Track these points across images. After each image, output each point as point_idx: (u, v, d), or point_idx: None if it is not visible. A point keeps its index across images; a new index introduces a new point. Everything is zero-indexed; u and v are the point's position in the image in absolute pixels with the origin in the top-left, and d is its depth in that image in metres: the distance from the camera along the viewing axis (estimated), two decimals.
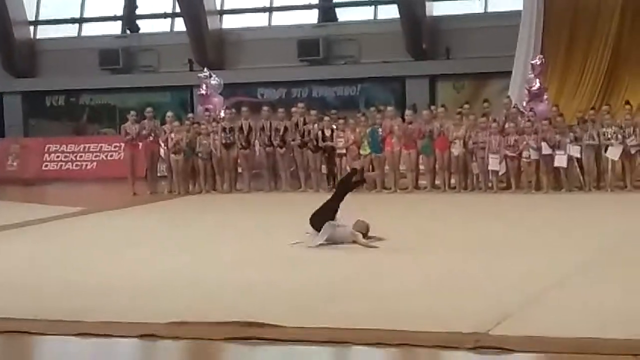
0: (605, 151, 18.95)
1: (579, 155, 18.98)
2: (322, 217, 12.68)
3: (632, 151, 18.84)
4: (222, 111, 22.68)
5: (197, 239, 13.79)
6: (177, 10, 30.51)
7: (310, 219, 12.75)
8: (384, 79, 28.79)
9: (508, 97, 21.86)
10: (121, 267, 11.37)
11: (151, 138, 21.53)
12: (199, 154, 21.17)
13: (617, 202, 17.35)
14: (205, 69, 24.39)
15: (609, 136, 18.88)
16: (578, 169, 19.30)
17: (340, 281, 10.11)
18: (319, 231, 12.53)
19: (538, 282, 9.58)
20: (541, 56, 22.21)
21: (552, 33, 23.85)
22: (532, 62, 21.91)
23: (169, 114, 22.11)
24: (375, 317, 8.12)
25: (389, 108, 21.54)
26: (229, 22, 30.66)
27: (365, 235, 12.59)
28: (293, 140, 20.78)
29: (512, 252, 11.73)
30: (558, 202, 17.78)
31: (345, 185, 13.67)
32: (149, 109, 22.29)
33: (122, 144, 23.11)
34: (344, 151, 20.49)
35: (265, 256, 11.95)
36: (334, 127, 20.77)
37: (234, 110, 22.45)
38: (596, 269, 10.46)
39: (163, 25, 31.58)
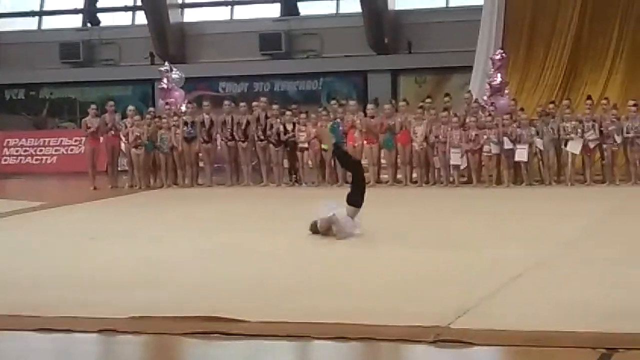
0: (566, 145, 19.10)
1: (542, 148, 19.11)
2: (357, 193, 12.84)
3: (592, 145, 18.99)
4: (184, 105, 22.60)
5: (158, 234, 13.71)
6: (139, 3, 30.35)
7: (351, 201, 12.76)
8: (346, 73, 28.84)
9: (469, 91, 21.95)
10: (81, 262, 11.30)
11: (112, 132, 21.42)
12: (160, 148, 21.09)
13: (576, 196, 17.48)
14: (166, 63, 24.27)
15: (569, 130, 19.03)
16: (541, 162, 19.43)
17: (302, 275, 10.11)
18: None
19: (499, 275, 9.62)
20: (501, 51, 22.32)
21: (513, 28, 23.98)
22: (493, 56, 22.00)
23: (130, 107, 21.98)
24: (337, 312, 8.11)
25: (351, 102, 21.57)
26: (191, 16, 30.56)
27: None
28: (261, 138, 20.67)
29: (473, 245, 11.78)
30: (518, 196, 17.89)
31: (352, 163, 14.07)
32: (110, 102, 22.18)
33: (83, 138, 22.96)
34: (305, 145, 20.48)
35: (226, 250, 11.92)
36: (296, 121, 20.75)
37: (194, 104, 22.39)
38: (556, 262, 10.53)
39: (124, 19, 31.42)
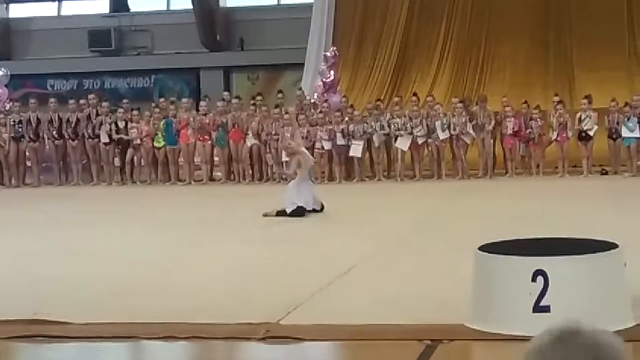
0: (395, 141, 19.45)
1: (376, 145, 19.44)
2: None
3: (420, 141, 19.39)
4: (8, 103, 21.95)
5: None
6: None
7: None
8: (178, 70, 28.64)
9: (300, 88, 22.10)
10: None
11: None
12: None
13: (406, 191, 17.82)
14: None
15: (399, 127, 19.38)
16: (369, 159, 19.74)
17: (129, 275, 9.91)
18: None
19: (329, 269, 9.69)
20: (334, 48, 22.55)
21: (343, 26, 24.28)
22: (325, 54, 22.21)
23: None
24: (165, 311, 8.00)
25: (184, 99, 21.41)
26: (16, 11, 29.69)
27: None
28: (91, 137, 20.24)
29: (303, 240, 11.86)
30: (350, 191, 18.11)
31: None
32: None
33: None
34: (138, 142, 20.19)
35: (51, 251, 11.63)
36: (127, 118, 20.44)
37: (19, 102, 21.81)
38: (384, 256, 10.69)
39: None
